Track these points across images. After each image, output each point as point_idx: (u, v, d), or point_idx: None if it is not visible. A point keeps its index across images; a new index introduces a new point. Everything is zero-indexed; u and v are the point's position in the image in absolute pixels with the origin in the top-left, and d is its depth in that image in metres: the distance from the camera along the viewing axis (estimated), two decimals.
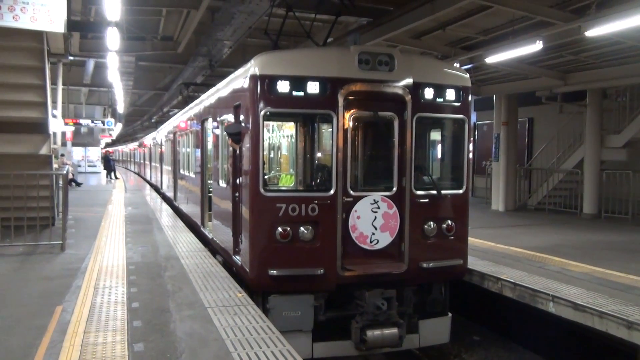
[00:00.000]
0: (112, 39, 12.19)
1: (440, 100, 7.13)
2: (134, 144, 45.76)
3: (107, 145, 60.76)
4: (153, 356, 4.56)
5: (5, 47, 10.71)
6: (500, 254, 9.88)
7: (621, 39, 11.22)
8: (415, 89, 6.90)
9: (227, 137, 7.53)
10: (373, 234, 6.76)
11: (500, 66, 14.04)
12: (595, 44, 12.30)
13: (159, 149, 21.88)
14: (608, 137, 15.84)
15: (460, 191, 7.43)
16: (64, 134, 23.80)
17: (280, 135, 10.90)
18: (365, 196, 6.76)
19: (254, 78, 6.60)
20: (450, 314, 7.59)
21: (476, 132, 22.70)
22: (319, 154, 7.46)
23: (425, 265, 6.98)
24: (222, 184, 8.62)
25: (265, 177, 6.88)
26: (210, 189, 10.18)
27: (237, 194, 7.55)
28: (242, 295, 6.36)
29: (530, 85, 16.67)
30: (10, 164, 10.43)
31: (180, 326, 5.29)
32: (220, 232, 8.87)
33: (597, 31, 9.55)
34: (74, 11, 12.82)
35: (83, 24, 13.92)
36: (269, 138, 10.30)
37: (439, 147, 7.97)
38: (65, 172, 11.29)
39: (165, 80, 23.96)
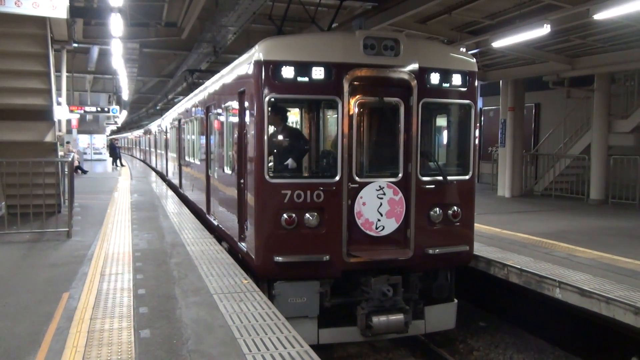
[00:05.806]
0: (116, 25, 12.13)
1: (446, 85, 7.06)
2: (139, 132, 45.77)
3: (113, 132, 60.75)
4: (159, 342, 4.57)
5: (9, 34, 10.67)
6: (507, 240, 9.84)
7: (630, 22, 11.06)
8: (421, 74, 6.83)
9: (231, 124, 7.49)
10: (379, 220, 6.73)
11: (507, 51, 13.88)
12: (604, 27, 12.12)
13: (164, 136, 21.87)
14: (616, 122, 15.66)
15: (467, 177, 7.38)
16: (69, 121, 23.80)
17: None
18: (371, 182, 6.72)
19: (258, 64, 6.54)
20: (456, 300, 7.59)
21: (482, 118, 22.53)
22: (324, 140, 7.42)
23: (431, 251, 6.97)
24: (227, 170, 8.60)
25: (270, 163, 6.85)
26: (216, 176, 10.17)
27: (242, 181, 7.53)
28: (248, 282, 6.36)
29: (537, 70, 16.49)
30: (16, 152, 10.44)
31: (186, 312, 5.30)
32: (225, 218, 8.86)
33: (605, 14, 9.39)
34: None
35: (86, 9, 13.85)
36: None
37: (445, 132, 7.90)
38: (70, 159, 11.31)
39: (170, 67, 23.88)
